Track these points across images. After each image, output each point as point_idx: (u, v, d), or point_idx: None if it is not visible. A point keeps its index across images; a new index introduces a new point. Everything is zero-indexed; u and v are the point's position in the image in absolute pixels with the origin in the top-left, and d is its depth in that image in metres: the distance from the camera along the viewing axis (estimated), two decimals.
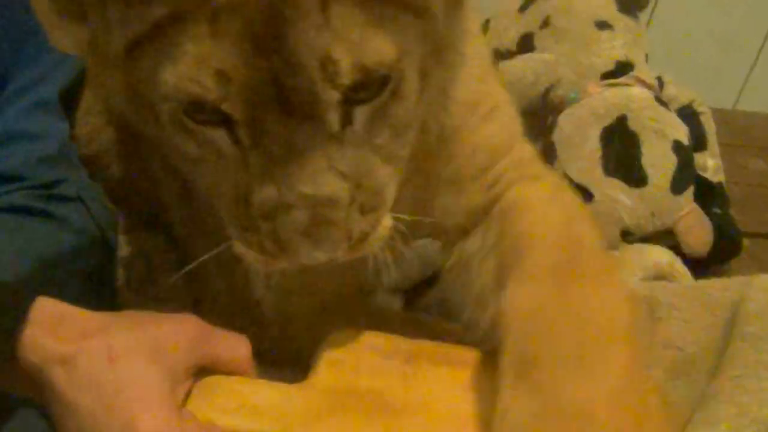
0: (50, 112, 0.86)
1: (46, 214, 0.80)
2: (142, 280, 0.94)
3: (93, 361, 0.59)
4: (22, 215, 0.79)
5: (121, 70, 0.57)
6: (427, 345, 0.70)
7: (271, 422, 0.62)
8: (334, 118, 0.55)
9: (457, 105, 0.75)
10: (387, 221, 0.62)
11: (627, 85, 1.24)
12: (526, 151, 0.84)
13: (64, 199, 0.82)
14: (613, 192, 1.18)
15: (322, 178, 0.55)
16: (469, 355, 0.69)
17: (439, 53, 0.62)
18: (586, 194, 1.18)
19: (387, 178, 0.61)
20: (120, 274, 0.93)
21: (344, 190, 0.56)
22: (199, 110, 0.54)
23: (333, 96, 0.53)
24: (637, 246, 1.19)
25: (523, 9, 1.40)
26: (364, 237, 0.60)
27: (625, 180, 1.18)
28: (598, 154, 1.19)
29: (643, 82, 1.24)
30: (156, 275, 0.94)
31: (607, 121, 1.20)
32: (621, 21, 1.32)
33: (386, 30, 0.53)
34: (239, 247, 0.61)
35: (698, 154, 1.28)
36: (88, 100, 0.93)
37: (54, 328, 0.60)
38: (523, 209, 0.76)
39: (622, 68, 1.27)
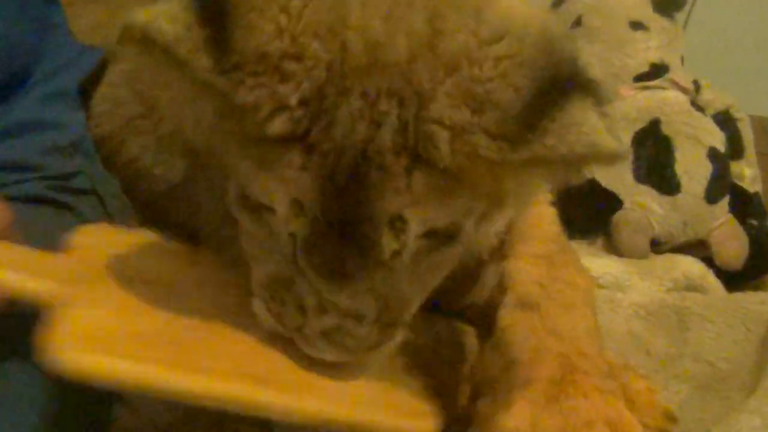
0: (68, 102, 0.86)
1: (60, 205, 0.80)
2: None
3: None
4: (36, 205, 0.78)
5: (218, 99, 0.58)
6: None
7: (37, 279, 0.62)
8: (387, 252, 0.57)
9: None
10: (399, 336, 0.64)
11: (661, 88, 1.20)
12: None
13: (78, 191, 0.82)
14: (644, 199, 1.15)
15: (361, 297, 0.58)
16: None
17: (500, 202, 0.63)
18: (616, 201, 1.14)
19: (414, 301, 0.63)
20: None
21: (373, 310, 0.59)
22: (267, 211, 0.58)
23: (394, 249, 0.56)
24: (668, 256, 1.15)
25: (555, 6, 1.37)
26: (374, 347, 0.62)
27: (657, 187, 1.15)
28: (629, 159, 1.15)
29: (678, 86, 1.20)
30: None
31: (640, 125, 1.17)
32: (656, 22, 1.28)
33: (462, 199, 0.56)
34: (258, 308, 0.63)
35: (734, 162, 1.24)
36: (111, 77, 0.92)
37: None
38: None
39: (657, 71, 1.23)
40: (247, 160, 0.57)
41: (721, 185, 1.16)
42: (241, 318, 0.63)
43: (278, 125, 0.54)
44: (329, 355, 0.61)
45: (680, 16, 1.34)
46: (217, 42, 0.53)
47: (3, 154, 0.78)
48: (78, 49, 0.90)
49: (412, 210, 0.55)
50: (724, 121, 1.24)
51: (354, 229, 0.56)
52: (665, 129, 1.15)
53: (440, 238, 0.58)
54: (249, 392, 0.58)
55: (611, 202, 1.16)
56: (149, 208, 0.94)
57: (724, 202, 1.16)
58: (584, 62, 0.54)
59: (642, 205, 1.14)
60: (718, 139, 1.18)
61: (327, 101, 0.54)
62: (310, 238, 0.57)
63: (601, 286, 1.09)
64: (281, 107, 0.54)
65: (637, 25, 1.26)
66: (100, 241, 0.70)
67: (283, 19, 0.54)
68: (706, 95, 1.26)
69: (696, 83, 1.26)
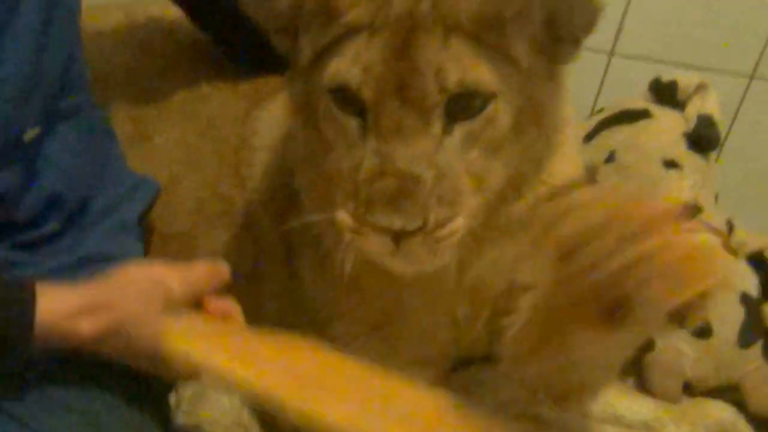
0: (130, 234, 0.93)
1: None
2: None
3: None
4: None
5: (303, 80, 0.83)
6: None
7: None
8: (437, 123, 0.74)
9: (552, 181, 0.89)
10: (460, 222, 0.75)
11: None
12: None
13: None
14: (677, 342, 1.14)
15: (416, 161, 0.73)
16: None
17: (534, 114, 0.80)
18: (647, 344, 1.14)
19: (468, 189, 0.76)
20: None
21: (429, 176, 0.73)
22: (343, 99, 0.77)
23: (440, 99, 0.73)
24: (699, 400, 1.15)
25: (588, 139, 1.38)
26: (438, 226, 0.74)
27: (690, 330, 1.13)
28: None
29: (711, 228, 1.20)
30: None
31: None
32: (690, 160, 1.28)
33: (489, 65, 0.75)
34: (340, 213, 0.77)
35: None
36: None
37: None
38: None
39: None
40: (328, 64, 0.77)
41: (753, 330, 1.15)
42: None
43: (353, 15, 0.75)
44: (396, 220, 0.71)
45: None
46: None
47: None
48: (135, 179, 0.97)
49: (449, 64, 0.73)
50: (758, 262, 1.23)
51: (408, 84, 0.73)
52: None
53: (480, 119, 0.75)
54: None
55: (644, 343, 1.15)
56: None
57: (758, 347, 1.16)
58: None
59: (675, 348, 1.14)
60: (749, 284, 1.18)
61: None
62: (377, 99, 0.74)
63: (632, 427, 1.09)
64: (355, 1, 0.75)
65: (670, 164, 1.27)
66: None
67: None
68: (739, 236, 1.26)
69: (729, 224, 1.26)
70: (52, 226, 0.88)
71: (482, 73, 0.74)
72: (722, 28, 1.53)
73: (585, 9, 0.78)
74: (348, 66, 0.75)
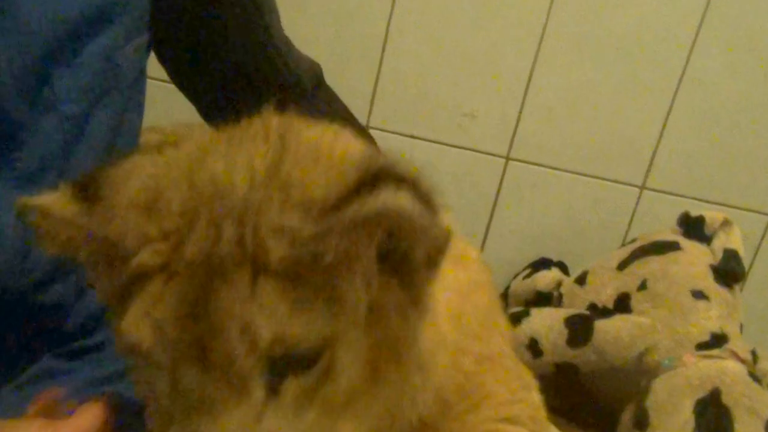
0: None
1: None
2: None
3: None
4: None
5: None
6: None
7: None
8: (257, 388, 0.57)
9: (433, 397, 0.73)
10: None
11: (721, 357, 1.28)
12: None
13: None
14: None
15: None
16: None
17: (393, 352, 0.63)
18: None
19: None
20: None
21: None
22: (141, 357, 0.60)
23: (252, 364, 0.56)
24: None
25: (621, 267, 1.48)
26: None
27: None
28: (691, 425, 1.22)
29: (737, 356, 1.28)
30: None
31: (701, 393, 1.24)
32: (717, 292, 1.38)
33: (313, 312, 0.57)
34: None
35: None
36: None
37: None
38: None
39: (717, 340, 1.32)
40: (121, 318, 0.59)
41: None
42: None
43: (144, 257, 0.58)
44: None
45: None
46: (86, 195, 0.61)
47: None
48: None
49: (261, 319, 0.55)
50: None
51: (209, 346, 0.56)
52: (725, 399, 1.23)
53: (312, 373, 0.58)
54: None
55: None
56: None
57: None
58: (400, 165, 0.56)
59: None
60: None
61: (182, 231, 0.58)
62: (174, 366, 0.57)
63: None
64: (145, 239, 0.59)
65: (699, 295, 1.36)
66: None
67: (145, 181, 0.61)
68: (763, 365, 1.34)
69: (753, 353, 1.35)
70: (98, 337, 0.90)
71: (305, 323, 0.56)
72: (746, 169, 1.66)
73: (430, 238, 0.59)
74: (137, 323, 0.58)
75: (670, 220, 1.57)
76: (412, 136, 1.72)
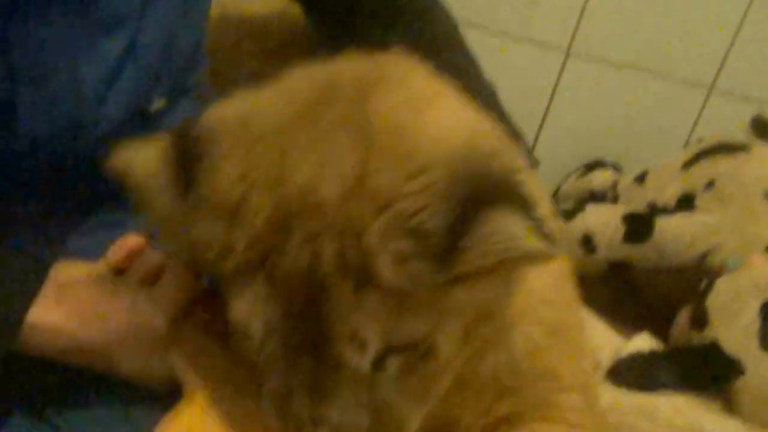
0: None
1: None
2: None
3: None
4: None
5: None
6: None
7: None
8: (365, 366, 0.60)
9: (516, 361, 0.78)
10: None
11: None
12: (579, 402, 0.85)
13: None
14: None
15: (351, 411, 0.62)
16: None
17: (486, 318, 0.67)
18: (737, 368, 1.15)
19: (410, 414, 0.66)
20: None
21: (366, 421, 0.63)
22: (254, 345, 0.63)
23: (362, 359, 0.59)
24: None
25: (686, 166, 1.40)
26: None
27: None
28: (756, 327, 1.15)
29: None
30: None
31: None
32: None
33: (418, 317, 0.60)
34: (268, 414, 0.66)
35: None
36: None
37: None
38: None
39: None
40: (232, 296, 0.62)
41: None
42: None
43: (229, 264, 0.59)
44: None
45: None
46: (181, 183, 0.62)
47: None
48: None
49: (368, 326, 0.58)
50: None
51: (320, 347, 0.59)
52: None
53: (416, 353, 0.62)
54: None
55: (733, 368, 1.16)
56: None
57: None
58: (512, 175, 0.58)
59: (765, 374, 1.14)
60: None
61: (274, 240, 0.59)
62: (286, 358, 0.61)
63: None
64: (229, 250, 0.59)
65: None
66: None
67: (236, 171, 0.60)
68: None
69: None
70: None
71: (410, 328, 0.60)
72: None
73: (539, 259, 0.60)
74: (248, 316, 0.62)
75: (735, 125, 1.48)
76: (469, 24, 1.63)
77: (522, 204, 0.56)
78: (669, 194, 1.39)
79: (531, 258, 0.57)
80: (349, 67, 0.68)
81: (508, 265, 0.59)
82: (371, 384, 0.62)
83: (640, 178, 1.47)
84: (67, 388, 0.77)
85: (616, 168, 1.64)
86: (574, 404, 0.83)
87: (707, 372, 1.17)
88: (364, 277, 0.58)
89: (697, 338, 1.21)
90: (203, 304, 0.75)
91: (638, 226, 1.31)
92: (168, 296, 0.73)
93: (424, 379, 0.65)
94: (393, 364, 0.62)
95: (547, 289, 0.80)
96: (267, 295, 0.60)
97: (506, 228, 0.54)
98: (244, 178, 0.60)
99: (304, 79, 0.68)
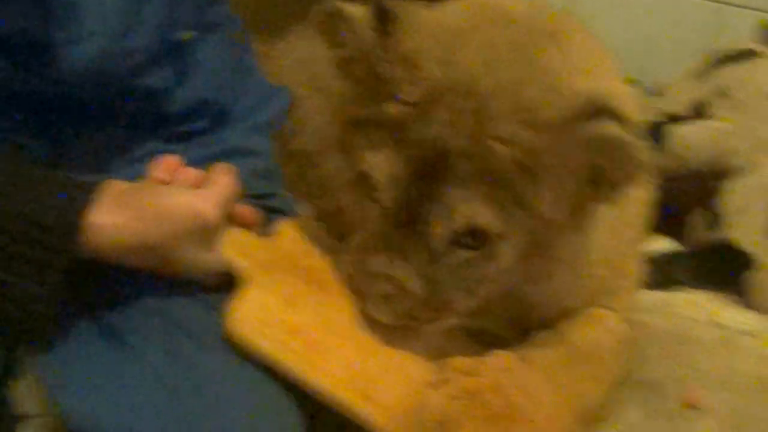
0: (264, 134, 1.00)
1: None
2: None
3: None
4: None
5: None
6: None
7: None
8: (441, 247, 0.76)
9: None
10: (449, 322, 0.82)
11: None
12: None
13: (271, 209, 0.92)
14: None
15: (414, 279, 0.76)
16: None
17: (543, 253, 0.80)
18: (750, 262, 1.20)
19: (459, 302, 0.80)
20: None
21: (421, 291, 0.77)
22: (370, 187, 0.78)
23: (445, 235, 0.75)
24: None
25: (699, 75, 1.43)
26: (423, 322, 0.79)
27: None
28: (765, 223, 1.20)
29: None
30: None
31: None
32: None
33: (502, 212, 0.73)
34: (346, 268, 0.83)
35: None
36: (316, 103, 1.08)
37: None
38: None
39: None
40: (363, 141, 0.78)
41: None
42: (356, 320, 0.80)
43: (393, 108, 0.75)
44: (383, 317, 0.78)
45: None
46: (382, 29, 0.77)
47: None
48: (268, 88, 1.04)
49: (463, 206, 0.73)
50: None
51: (417, 209, 0.74)
52: None
53: (482, 252, 0.76)
54: (347, 403, 0.74)
55: (743, 262, 1.21)
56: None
57: None
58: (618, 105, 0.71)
59: None
60: None
61: (428, 106, 0.74)
62: (390, 215, 0.76)
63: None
64: (402, 99, 0.75)
65: None
66: (292, 236, 0.89)
67: (422, 42, 0.77)
68: None
69: None
70: (201, 123, 0.94)
71: (491, 218, 0.74)
72: None
73: (628, 164, 0.72)
74: (377, 167, 0.77)
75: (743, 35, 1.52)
76: None
77: (627, 121, 0.71)
78: (682, 103, 1.42)
79: (623, 148, 0.70)
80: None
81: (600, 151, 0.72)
82: (438, 264, 0.76)
83: (652, 91, 1.51)
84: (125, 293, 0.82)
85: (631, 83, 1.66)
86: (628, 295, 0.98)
87: (722, 268, 1.23)
88: (479, 162, 0.72)
89: (710, 237, 1.27)
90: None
91: (651, 133, 1.35)
92: (218, 193, 0.79)
93: (479, 277, 0.78)
94: (461, 255, 0.76)
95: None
96: (396, 159, 0.75)
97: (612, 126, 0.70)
98: (428, 51, 0.76)
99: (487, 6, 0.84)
